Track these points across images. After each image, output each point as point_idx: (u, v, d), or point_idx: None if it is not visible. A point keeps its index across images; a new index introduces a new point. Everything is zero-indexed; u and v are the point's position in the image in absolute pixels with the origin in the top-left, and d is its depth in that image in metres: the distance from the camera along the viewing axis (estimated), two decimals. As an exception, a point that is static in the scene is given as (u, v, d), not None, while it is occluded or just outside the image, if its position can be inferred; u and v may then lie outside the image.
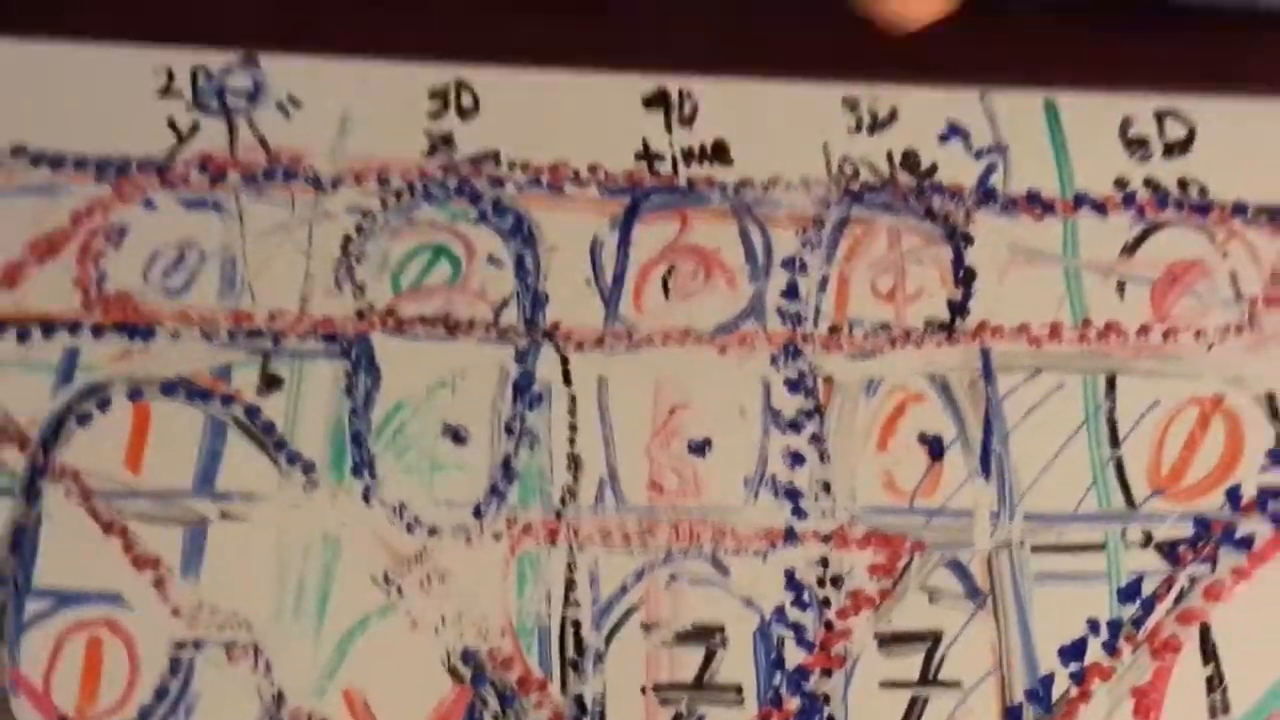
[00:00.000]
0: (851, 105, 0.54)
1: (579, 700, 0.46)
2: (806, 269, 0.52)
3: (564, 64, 0.54)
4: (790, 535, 0.48)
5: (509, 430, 0.49)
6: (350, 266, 0.51)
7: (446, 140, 0.53)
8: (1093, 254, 0.52)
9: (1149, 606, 0.47)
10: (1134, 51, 0.57)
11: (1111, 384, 0.50)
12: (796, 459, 0.49)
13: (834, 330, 0.51)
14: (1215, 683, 0.46)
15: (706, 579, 0.47)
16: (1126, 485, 0.49)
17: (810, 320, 0.51)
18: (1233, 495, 0.49)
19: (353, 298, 0.51)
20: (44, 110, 0.53)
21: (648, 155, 0.53)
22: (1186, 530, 0.48)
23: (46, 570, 0.47)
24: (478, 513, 0.48)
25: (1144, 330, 0.51)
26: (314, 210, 0.52)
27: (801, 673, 0.46)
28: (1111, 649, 0.47)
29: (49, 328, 0.50)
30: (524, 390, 0.50)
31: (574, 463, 0.49)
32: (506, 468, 0.49)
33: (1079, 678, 0.46)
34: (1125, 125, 0.54)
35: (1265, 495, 0.49)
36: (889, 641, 0.47)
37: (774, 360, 0.50)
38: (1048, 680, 0.46)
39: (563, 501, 0.48)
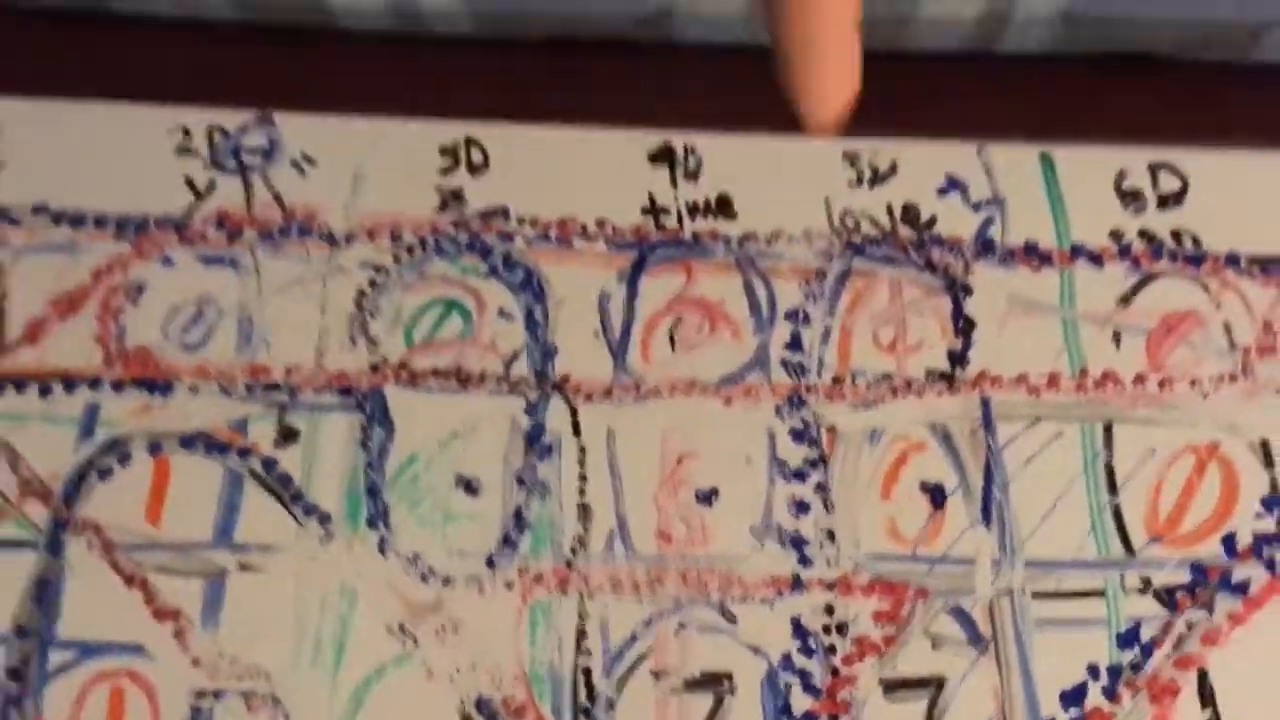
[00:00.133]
0: (852, 159, 0.55)
1: (591, 747, 0.47)
2: (809, 321, 0.53)
3: (571, 121, 0.55)
4: (796, 583, 0.49)
5: (520, 481, 0.50)
6: (364, 321, 0.52)
7: (457, 196, 0.54)
8: (1089, 304, 0.53)
9: (1148, 652, 0.48)
10: (1128, 104, 0.58)
11: (1109, 432, 0.51)
12: (801, 507, 0.50)
13: (837, 381, 0.52)
14: (1213, 727, 0.47)
15: (714, 626, 0.48)
16: (1125, 532, 0.49)
17: (814, 371, 0.52)
18: (1228, 541, 0.49)
19: (367, 351, 0.52)
20: (64, 169, 0.54)
21: (654, 210, 0.54)
22: (1184, 576, 0.49)
23: (70, 622, 0.47)
24: (490, 563, 0.49)
25: (1140, 379, 0.52)
26: (328, 265, 0.53)
27: (809, 719, 0.47)
28: (1111, 694, 0.47)
29: (70, 383, 0.51)
30: (535, 441, 0.51)
31: (584, 512, 0.50)
32: (518, 518, 0.50)
33: (1080, 722, 0.47)
34: (1120, 178, 0.55)
35: (1260, 541, 0.49)
36: (894, 687, 0.47)
37: (779, 411, 0.51)
38: (1049, 725, 0.47)
39: (573, 551, 0.49)
